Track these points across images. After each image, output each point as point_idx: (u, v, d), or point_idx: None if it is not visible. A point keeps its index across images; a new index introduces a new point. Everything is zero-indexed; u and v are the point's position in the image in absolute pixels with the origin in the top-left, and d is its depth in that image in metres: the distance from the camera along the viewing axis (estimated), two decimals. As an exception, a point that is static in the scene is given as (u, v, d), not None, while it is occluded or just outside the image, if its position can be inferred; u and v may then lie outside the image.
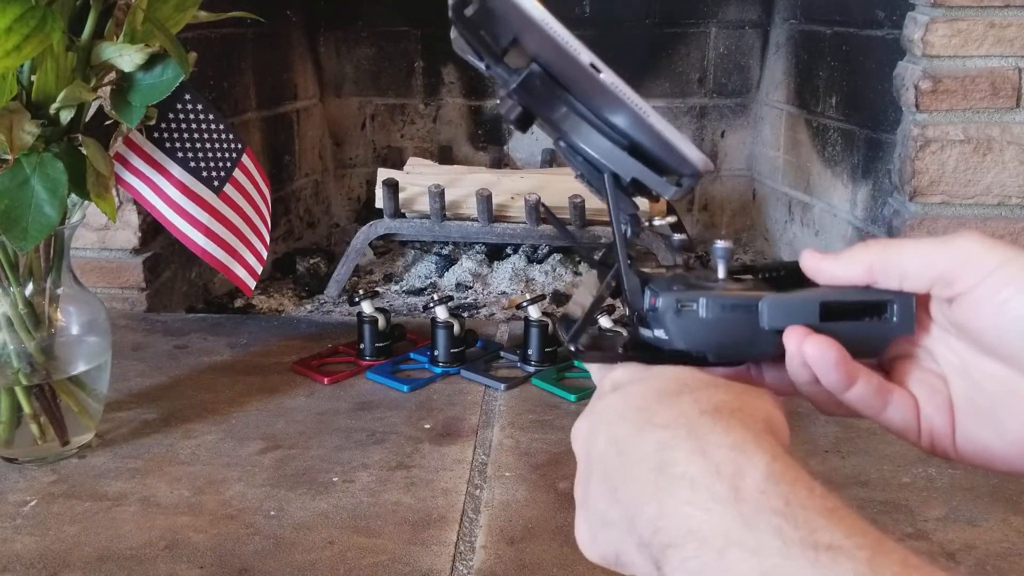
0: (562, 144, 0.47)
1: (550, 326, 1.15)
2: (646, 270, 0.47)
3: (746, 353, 0.44)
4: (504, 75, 0.45)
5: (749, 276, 0.45)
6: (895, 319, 0.42)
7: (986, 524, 0.83)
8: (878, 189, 1.45)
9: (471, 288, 1.65)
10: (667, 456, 0.37)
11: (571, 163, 0.48)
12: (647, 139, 0.44)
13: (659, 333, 0.44)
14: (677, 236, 0.46)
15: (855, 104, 1.54)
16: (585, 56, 0.42)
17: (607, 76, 0.42)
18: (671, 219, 0.47)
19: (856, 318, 0.43)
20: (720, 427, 0.37)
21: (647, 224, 0.47)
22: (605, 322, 1.10)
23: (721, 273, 0.44)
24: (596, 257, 0.51)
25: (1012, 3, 1.24)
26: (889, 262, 0.41)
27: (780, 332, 0.42)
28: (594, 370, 0.48)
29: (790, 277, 0.44)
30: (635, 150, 0.44)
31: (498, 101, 0.45)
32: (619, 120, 0.44)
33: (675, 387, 0.40)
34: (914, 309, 0.42)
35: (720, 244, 0.44)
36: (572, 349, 0.46)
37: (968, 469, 0.92)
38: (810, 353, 0.42)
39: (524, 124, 0.46)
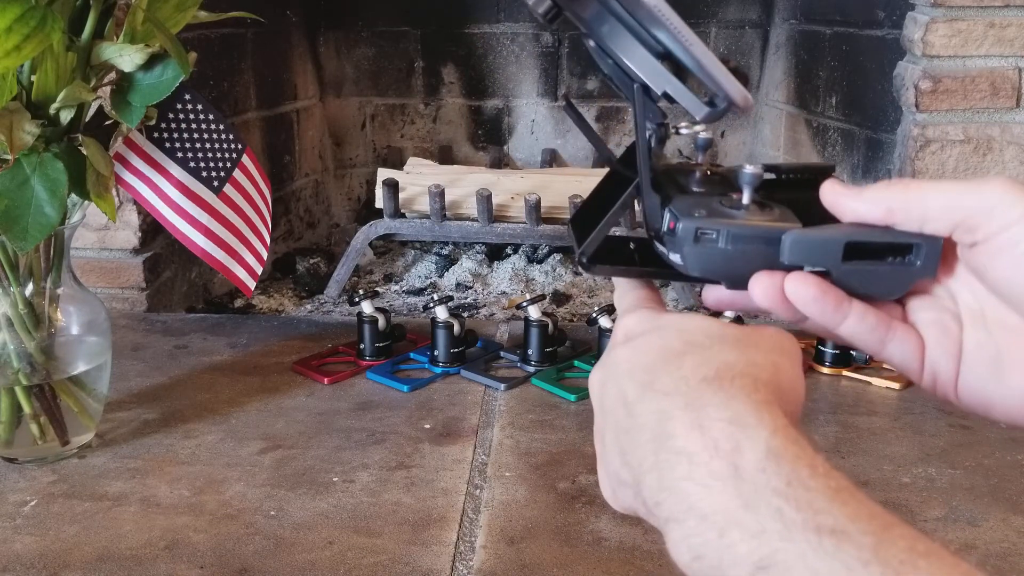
0: (591, 43, 0.44)
1: (550, 325, 1.15)
2: (672, 174, 0.44)
3: None
4: None
5: (773, 203, 0.43)
6: (919, 263, 0.41)
7: (986, 524, 0.83)
8: (878, 189, 1.44)
9: (471, 288, 1.65)
10: (666, 427, 0.36)
11: (599, 62, 0.45)
12: (686, 61, 0.41)
13: (675, 257, 0.42)
14: (702, 135, 0.44)
15: (855, 104, 1.54)
16: None
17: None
18: (698, 128, 0.44)
19: (879, 258, 0.42)
20: (719, 398, 0.36)
21: (674, 131, 0.45)
22: (606, 323, 1.10)
23: (746, 199, 0.42)
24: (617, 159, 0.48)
25: (1012, 3, 1.24)
26: (911, 204, 0.40)
27: (800, 267, 0.41)
28: (617, 296, 0.47)
29: (812, 184, 0.43)
30: (669, 61, 0.42)
31: None
32: (659, 34, 0.42)
33: (680, 345, 0.39)
34: (939, 253, 0.41)
35: (748, 169, 0.41)
36: (582, 263, 0.45)
37: (968, 468, 0.92)
38: (790, 291, 0.41)
39: (552, 19, 0.43)
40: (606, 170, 0.49)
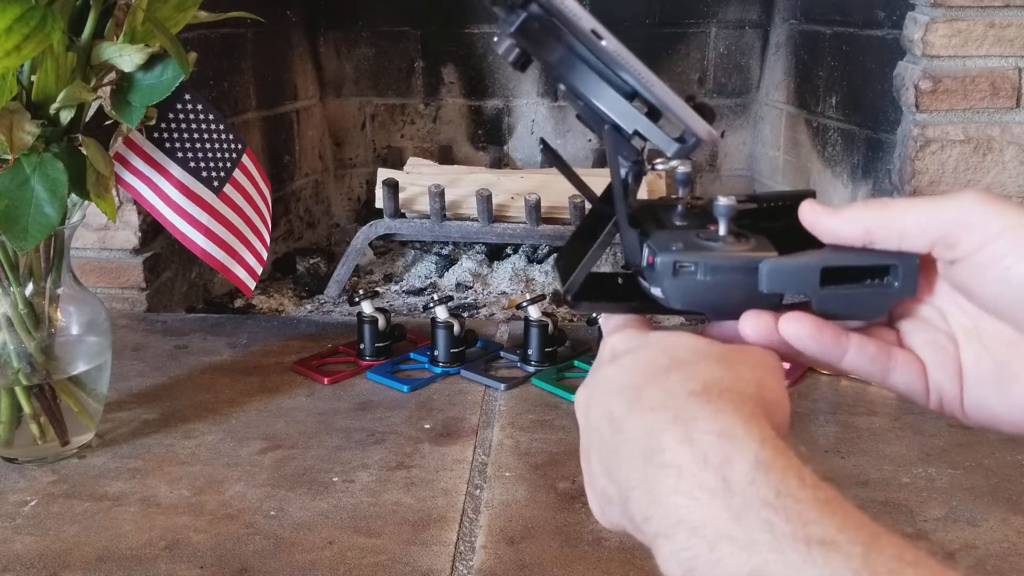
0: (562, 87, 0.45)
1: (550, 325, 1.15)
2: (652, 209, 0.45)
3: (743, 312, 0.43)
4: (503, 12, 0.43)
5: (750, 233, 0.43)
6: (897, 283, 0.42)
7: (986, 524, 0.83)
8: (878, 189, 1.45)
9: (471, 288, 1.65)
10: (654, 442, 0.36)
11: (571, 104, 0.46)
12: (652, 100, 0.42)
13: (656, 291, 0.43)
14: (681, 169, 0.45)
15: (855, 104, 1.54)
16: (587, 22, 0.41)
17: (610, 43, 0.41)
18: (674, 163, 0.45)
19: (857, 280, 0.42)
20: (707, 411, 0.36)
21: (650, 168, 0.45)
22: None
23: (722, 230, 0.42)
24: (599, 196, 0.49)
25: (1012, 3, 1.24)
26: (889, 222, 0.40)
27: (780, 294, 0.42)
28: (602, 322, 0.47)
29: (793, 211, 0.43)
30: (639, 99, 0.43)
31: (495, 39, 0.43)
32: (624, 76, 0.42)
33: (666, 361, 0.39)
34: (917, 271, 0.41)
35: (722, 201, 0.42)
36: (567, 300, 0.45)
37: (968, 468, 0.92)
38: (785, 331, 0.41)
39: (523, 65, 0.44)
40: (606, 170, 0.50)
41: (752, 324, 0.42)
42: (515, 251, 1.78)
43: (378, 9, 1.94)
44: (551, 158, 0.51)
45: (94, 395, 0.96)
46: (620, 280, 0.47)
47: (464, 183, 1.64)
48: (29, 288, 0.90)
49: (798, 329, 0.41)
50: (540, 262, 1.74)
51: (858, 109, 1.53)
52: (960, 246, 0.39)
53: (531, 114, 1.98)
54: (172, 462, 0.95)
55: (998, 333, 0.41)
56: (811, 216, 0.42)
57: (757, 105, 1.96)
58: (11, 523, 0.84)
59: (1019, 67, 1.27)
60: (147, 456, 0.96)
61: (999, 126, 1.29)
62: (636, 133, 0.44)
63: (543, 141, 0.53)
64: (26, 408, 0.91)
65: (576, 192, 1.63)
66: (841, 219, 0.41)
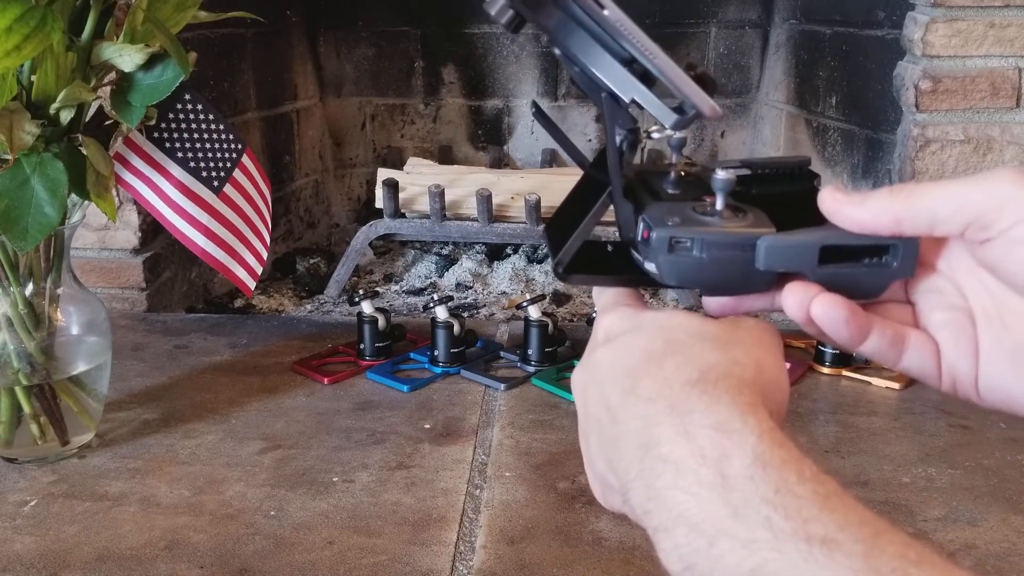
0: (557, 51, 0.44)
1: (550, 325, 1.15)
2: (646, 177, 0.44)
3: (738, 289, 0.42)
4: None
5: (747, 207, 0.42)
6: (896, 263, 0.41)
7: (986, 524, 0.83)
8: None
9: (471, 288, 1.65)
10: (651, 435, 0.36)
11: (567, 69, 0.45)
12: (651, 70, 0.41)
13: (650, 266, 0.42)
14: (677, 135, 0.43)
15: (855, 104, 1.54)
16: None
17: (612, 13, 0.39)
18: (670, 132, 0.43)
19: (855, 260, 0.41)
20: (704, 403, 0.35)
21: (646, 135, 0.44)
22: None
23: (719, 204, 0.41)
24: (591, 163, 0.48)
25: (1012, 3, 1.24)
26: (918, 211, 0.39)
27: (776, 272, 0.41)
28: (595, 292, 0.46)
29: (787, 179, 0.42)
30: (637, 65, 0.42)
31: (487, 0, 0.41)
32: (623, 43, 0.41)
33: (660, 346, 0.39)
34: (917, 253, 0.41)
35: (721, 175, 0.40)
36: (558, 272, 0.44)
37: (968, 468, 0.92)
38: (817, 314, 0.40)
39: (516, 28, 0.42)
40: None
41: (796, 297, 0.40)
42: (515, 251, 1.78)
43: (378, 9, 1.94)
44: (542, 121, 0.49)
45: (94, 395, 0.96)
46: (610, 248, 0.46)
47: (464, 183, 1.64)
48: (29, 288, 0.90)
49: (834, 314, 0.40)
50: (540, 262, 1.74)
51: (858, 109, 1.53)
52: (995, 226, 0.38)
53: (531, 114, 1.98)
54: (172, 462, 0.95)
55: (1019, 310, 0.40)
56: (833, 206, 0.40)
57: (757, 105, 1.96)
58: (11, 523, 0.84)
59: (1019, 67, 1.27)
60: (147, 456, 0.96)
61: (999, 126, 1.29)
62: (633, 102, 0.42)
63: (535, 104, 0.51)
64: (26, 408, 0.91)
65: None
66: (867, 209, 0.40)
